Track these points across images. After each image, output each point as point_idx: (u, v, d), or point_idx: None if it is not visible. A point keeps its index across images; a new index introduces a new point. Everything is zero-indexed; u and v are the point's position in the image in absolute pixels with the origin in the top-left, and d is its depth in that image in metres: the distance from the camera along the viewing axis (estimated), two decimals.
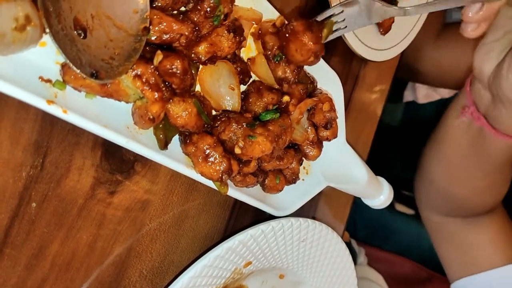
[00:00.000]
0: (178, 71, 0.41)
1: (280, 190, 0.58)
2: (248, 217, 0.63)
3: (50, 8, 0.34)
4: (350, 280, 0.76)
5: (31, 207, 0.41)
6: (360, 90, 0.78)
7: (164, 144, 0.45)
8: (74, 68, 0.35)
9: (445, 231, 0.91)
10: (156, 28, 0.40)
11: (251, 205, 0.56)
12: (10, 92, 0.34)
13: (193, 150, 0.46)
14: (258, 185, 0.56)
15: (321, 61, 0.57)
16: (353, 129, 0.78)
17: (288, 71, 0.50)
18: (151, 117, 0.41)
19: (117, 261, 0.49)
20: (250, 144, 0.47)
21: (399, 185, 0.92)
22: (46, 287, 0.44)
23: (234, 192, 0.53)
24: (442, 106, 1.26)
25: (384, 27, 0.70)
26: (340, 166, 0.63)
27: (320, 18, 0.52)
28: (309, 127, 0.58)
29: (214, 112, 0.50)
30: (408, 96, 1.39)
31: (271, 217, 0.60)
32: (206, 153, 0.46)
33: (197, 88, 0.49)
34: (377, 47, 0.71)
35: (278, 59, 0.50)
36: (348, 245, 0.83)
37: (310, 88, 0.57)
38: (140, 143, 0.43)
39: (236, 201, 0.60)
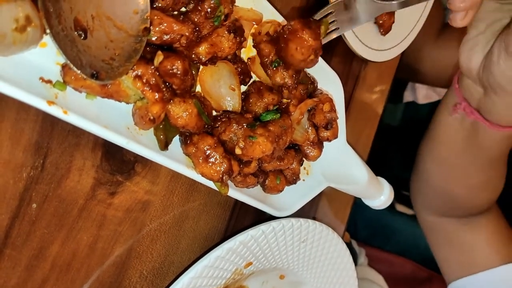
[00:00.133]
0: (179, 72, 0.41)
1: (281, 191, 0.58)
2: (248, 217, 0.63)
3: (50, 9, 0.34)
4: (351, 281, 0.76)
5: (32, 207, 0.41)
6: (360, 91, 0.78)
7: (164, 145, 0.45)
8: (75, 69, 0.35)
9: (441, 231, 0.91)
10: (157, 28, 0.40)
11: (252, 205, 0.56)
12: (11, 93, 0.34)
13: (193, 150, 0.46)
14: (259, 185, 0.56)
15: (322, 61, 0.57)
16: (353, 130, 0.78)
17: (287, 76, 0.50)
18: (152, 117, 0.41)
19: (118, 262, 0.49)
20: (251, 145, 0.47)
21: (399, 185, 0.92)
22: None
23: (234, 192, 0.53)
24: None
25: (385, 27, 0.70)
26: (341, 166, 0.63)
27: (317, 17, 0.52)
28: (310, 128, 0.58)
29: (214, 113, 0.50)
30: (408, 96, 1.39)
31: (271, 218, 0.60)
32: (207, 153, 0.46)
33: (198, 88, 0.49)
34: (377, 48, 0.71)
35: (276, 65, 0.50)
36: (349, 245, 0.83)
37: (310, 89, 0.57)
38: (141, 143, 0.43)
39: (236, 202, 0.60)
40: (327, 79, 0.59)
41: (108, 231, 0.47)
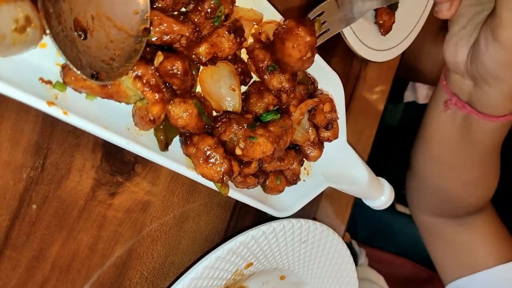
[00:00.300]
0: (179, 72, 0.40)
1: (281, 191, 0.58)
2: (249, 218, 0.63)
3: (50, 9, 0.34)
4: (351, 281, 0.76)
5: (32, 208, 0.41)
6: (360, 91, 0.78)
7: (164, 145, 0.45)
8: (75, 70, 0.35)
9: (438, 232, 0.91)
10: (157, 29, 0.40)
11: (252, 206, 0.56)
12: (11, 93, 0.34)
13: (193, 151, 0.46)
14: (259, 186, 0.56)
15: (322, 61, 0.57)
16: (354, 130, 0.78)
17: (284, 80, 0.50)
18: (152, 118, 0.41)
19: (118, 263, 0.49)
20: (251, 145, 0.47)
21: (399, 185, 0.92)
22: None
23: (235, 193, 0.53)
24: None
25: (385, 27, 0.70)
26: (341, 166, 0.63)
27: (310, 16, 0.53)
28: (310, 128, 0.58)
29: (214, 113, 0.50)
30: (408, 96, 1.39)
31: (272, 218, 0.60)
32: (207, 154, 0.46)
33: (198, 89, 0.49)
34: (377, 48, 0.71)
35: (272, 69, 0.50)
36: (349, 246, 0.83)
37: (311, 89, 0.57)
38: (141, 144, 0.43)
39: (237, 202, 0.60)
40: (327, 79, 0.59)
41: (109, 231, 0.47)
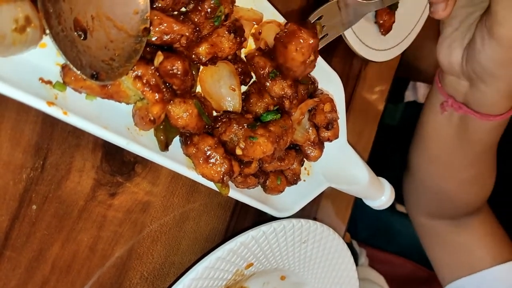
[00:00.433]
0: (179, 72, 0.40)
1: (281, 191, 0.58)
2: (249, 218, 0.63)
3: (50, 9, 0.34)
4: (352, 281, 0.76)
5: (32, 209, 0.41)
6: (361, 91, 0.78)
7: (164, 146, 0.45)
8: (75, 70, 0.35)
9: (435, 233, 0.92)
10: (157, 29, 0.40)
11: (252, 206, 0.56)
12: (10, 93, 0.34)
13: (194, 151, 0.46)
14: (259, 186, 0.56)
15: (322, 61, 0.57)
16: (354, 130, 0.78)
17: (286, 86, 0.50)
18: (152, 118, 0.41)
19: (118, 263, 0.49)
20: (251, 145, 0.47)
21: (400, 185, 0.92)
22: None
23: (235, 193, 0.53)
24: None
25: (385, 27, 0.70)
26: (341, 166, 0.63)
27: (311, 19, 0.53)
28: (310, 128, 0.57)
29: (215, 113, 0.50)
30: (409, 96, 1.39)
31: (272, 218, 0.60)
32: (207, 154, 0.46)
33: (198, 89, 0.48)
34: (378, 48, 0.71)
35: (273, 75, 0.50)
36: (349, 246, 0.83)
37: (311, 89, 0.57)
38: (141, 144, 0.43)
39: (237, 203, 0.60)
40: (327, 79, 0.59)
41: (109, 232, 0.47)
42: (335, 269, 0.73)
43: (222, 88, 0.49)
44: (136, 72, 0.39)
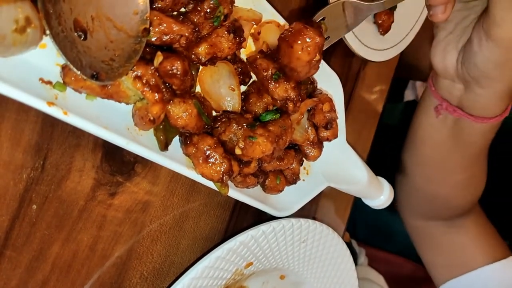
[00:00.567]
0: (179, 72, 0.41)
1: (281, 191, 0.58)
2: (248, 218, 0.63)
3: (50, 10, 0.34)
4: (351, 281, 0.76)
5: (32, 209, 0.41)
6: (360, 90, 0.78)
7: (164, 145, 0.45)
8: (75, 70, 0.35)
9: (429, 235, 0.92)
10: (156, 29, 0.40)
11: (252, 206, 0.56)
12: (11, 94, 0.34)
13: (193, 151, 0.46)
14: (259, 186, 0.56)
15: (321, 61, 0.57)
16: (353, 129, 0.78)
17: (289, 88, 0.50)
18: (152, 118, 0.41)
19: (118, 263, 0.49)
20: (251, 145, 0.47)
21: None
22: None
23: (234, 193, 0.53)
24: None
25: (384, 27, 0.70)
26: (341, 166, 0.63)
27: (315, 19, 0.53)
28: (310, 128, 0.58)
29: (214, 113, 0.50)
30: (408, 95, 1.39)
31: (271, 218, 0.60)
32: (207, 154, 0.46)
33: (197, 89, 0.49)
34: (376, 47, 0.71)
35: (276, 77, 0.49)
36: (349, 245, 0.83)
37: (310, 89, 0.57)
38: (141, 144, 0.43)
39: (236, 202, 0.60)
40: (326, 79, 0.59)
41: (108, 232, 0.47)
42: (334, 269, 0.73)
43: (221, 88, 0.49)
44: (136, 72, 0.39)
